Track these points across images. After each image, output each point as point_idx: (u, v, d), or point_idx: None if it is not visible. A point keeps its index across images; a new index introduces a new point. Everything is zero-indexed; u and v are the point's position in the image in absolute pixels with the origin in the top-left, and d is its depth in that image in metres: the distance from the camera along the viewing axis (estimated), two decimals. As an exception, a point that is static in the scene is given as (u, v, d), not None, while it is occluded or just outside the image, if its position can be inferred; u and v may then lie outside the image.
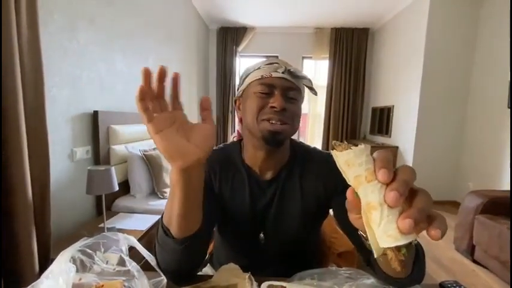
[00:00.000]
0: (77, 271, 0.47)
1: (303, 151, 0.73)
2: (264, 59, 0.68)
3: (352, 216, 0.36)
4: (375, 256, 0.30)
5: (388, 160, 0.29)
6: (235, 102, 0.72)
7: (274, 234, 0.70)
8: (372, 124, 4.76)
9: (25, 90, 1.09)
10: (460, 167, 3.43)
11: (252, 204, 0.68)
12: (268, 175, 0.69)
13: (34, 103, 1.14)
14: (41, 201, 1.18)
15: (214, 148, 0.75)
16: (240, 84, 0.70)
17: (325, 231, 1.01)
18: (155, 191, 2.08)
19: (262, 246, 0.71)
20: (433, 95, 3.34)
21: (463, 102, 3.36)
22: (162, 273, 0.51)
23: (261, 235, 0.70)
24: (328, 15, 4.23)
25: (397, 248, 0.27)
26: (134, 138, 2.16)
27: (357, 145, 0.31)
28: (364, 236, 0.41)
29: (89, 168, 1.39)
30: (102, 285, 0.47)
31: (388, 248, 0.27)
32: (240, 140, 0.75)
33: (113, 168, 1.45)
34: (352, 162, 0.30)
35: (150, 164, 2.06)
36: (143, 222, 1.64)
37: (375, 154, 0.30)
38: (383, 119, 4.30)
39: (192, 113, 4.06)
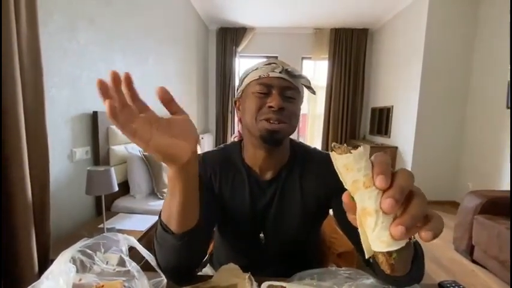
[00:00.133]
0: (77, 271, 0.47)
1: (303, 151, 0.73)
2: (263, 60, 0.69)
3: (350, 217, 0.36)
4: (366, 257, 0.31)
5: (386, 164, 0.29)
6: (235, 103, 0.72)
7: (274, 234, 0.70)
8: (372, 124, 4.77)
9: (25, 91, 1.09)
10: (460, 167, 3.43)
11: (252, 204, 0.68)
12: (268, 175, 0.69)
13: (34, 103, 1.14)
14: (40, 201, 1.17)
15: (214, 149, 0.76)
16: (240, 85, 0.70)
17: (325, 232, 1.01)
18: (155, 192, 2.08)
19: (262, 246, 0.71)
20: (433, 95, 3.35)
21: (462, 102, 3.37)
22: (162, 274, 0.51)
23: (261, 235, 0.70)
24: (328, 15, 4.24)
25: (388, 253, 0.28)
26: (134, 139, 2.16)
27: (356, 147, 0.31)
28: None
29: (88, 168, 1.39)
30: (102, 286, 0.47)
31: (380, 252, 0.28)
32: (241, 140, 0.75)
33: (112, 169, 1.45)
34: (351, 167, 0.30)
35: (150, 164, 2.06)
36: (143, 223, 1.64)
37: (373, 157, 0.30)
38: (382, 119, 4.31)
39: (192, 112, 4.06)
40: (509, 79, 2.67)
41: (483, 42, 3.14)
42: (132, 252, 0.51)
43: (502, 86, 2.79)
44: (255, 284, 0.51)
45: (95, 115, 1.75)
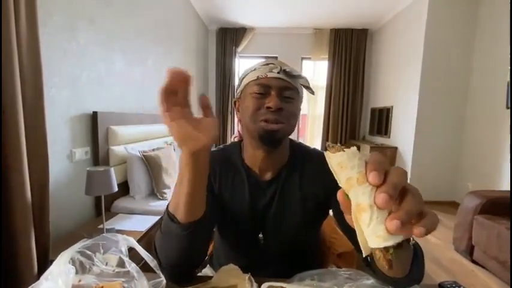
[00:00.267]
0: (77, 272, 0.47)
1: (302, 151, 0.73)
2: (262, 60, 0.69)
3: (347, 217, 0.37)
4: (364, 255, 0.31)
5: (380, 163, 0.29)
6: (235, 104, 0.72)
7: (273, 234, 0.70)
8: (371, 125, 4.77)
9: (24, 91, 1.09)
10: (459, 168, 3.44)
11: (251, 205, 0.68)
12: (268, 175, 0.69)
13: (33, 103, 1.14)
14: (39, 202, 1.17)
15: (214, 149, 0.76)
16: (239, 85, 0.70)
17: (325, 232, 1.01)
18: (154, 192, 2.08)
19: (262, 247, 0.71)
20: (432, 95, 3.35)
21: (462, 102, 3.37)
22: (161, 274, 0.51)
23: (260, 235, 0.70)
24: (327, 15, 4.25)
25: (385, 249, 0.28)
26: (133, 139, 2.16)
27: (348, 147, 0.32)
28: None
29: (88, 169, 1.39)
30: (102, 287, 0.47)
31: (377, 248, 0.28)
32: (241, 140, 0.75)
33: (112, 169, 1.44)
34: (344, 165, 0.30)
35: (150, 164, 2.06)
36: (142, 223, 1.64)
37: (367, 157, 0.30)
38: (382, 120, 4.31)
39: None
40: (508, 79, 2.67)
41: (483, 42, 3.14)
42: (132, 252, 0.51)
43: (501, 86, 2.79)
44: (255, 284, 0.51)
45: (94, 115, 1.75)
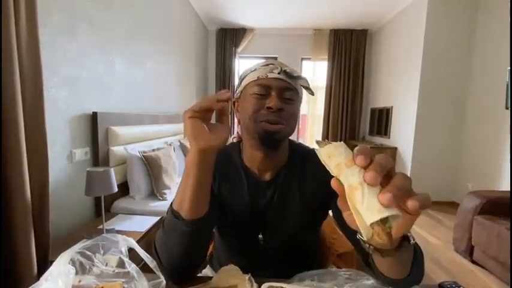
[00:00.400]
0: (76, 273, 0.47)
1: (301, 152, 0.73)
2: (262, 61, 0.68)
3: (344, 214, 0.38)
4: (365, 238, 0.32)
5: (366, 149, 0.31)
6: (234, 104, 0.72)
7: (273, 235, 0.70)
8: (371, 125, 4.77)
9: (24, 91, 1.09)
10: (459, 168, 3.44)
11: (251, 205, 0.68)
12: (267, 176, 0.69)
13: (33, 104, 1.14)
14: (39, 202, 1.17)
15: None
16: (238, 86, 0.70)
17: (325, 232, 1.01)
18: (154, 193, 2.08)
19: (262, 247, 0.71)
20: (432, 96, 3.36)
21: (461, 103, 3.37)
22: (161, 275, 0.51)
23: (260, 236, 0.70)
24: (327, 16, 4.25)
25: (383, 222, 0.29)
26: (133, 140, 2.16)
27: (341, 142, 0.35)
28: (362, 238, 0.41)
29: (88, 169, 1.39)
30: (102, 287, 0.47)
31: (375, 223, 0.28)
32: (240, 141, 0.75)
33: (112, 170, 1.44)
34: (332, 154, 0.33)
35: (149, 165, 2.06)
36: (142, 224, 1.64)
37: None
38: (382, 120, 4.31)
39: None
40: (507, 79, 2.68)
41: (482, 43, 3.14)
42: (132, 253, 0.51)
43: (501, 87, 2.79)
44: (255, 285, 0.51)
45: (94, 116, 1.75)
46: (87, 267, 0.49)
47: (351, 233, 0.53)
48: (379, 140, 4.37)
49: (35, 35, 1.13)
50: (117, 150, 1.93)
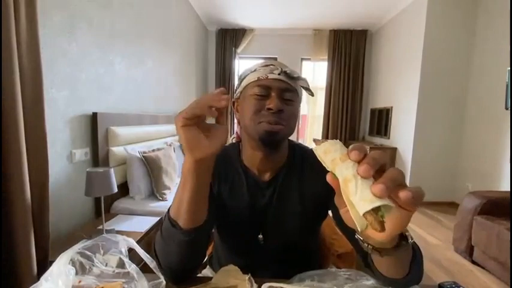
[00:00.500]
0: (76, 273, 0.47)
1: (301, 152, 0.73)
2: (261, 61, 0.68)
3: (341, 211, 0.39)
4: (359, 230, 0.32)
5: (360, 146, 0.32)
6: (233, 104, 0.72)
7: (273, 235, 0.70)
8: (371, 125, 4.78)
9: (24, 92, 1.09)
10: (459, 168, 3.44)
11: (250, 205, 0.68)
12: (267, 176, 0.69)
13: (33, 104, 1.14)
14: (39, 203, 1.17)
15: None
16: (238, 86, 0.70)
17: (325, 232, 1.01)
18: (154, 193, 2.08)
19: (262, 247, 0.71)
20: (432, 96, 3.36)
21: (461, 103, 3.38)
22: (161, 275, 0.51)
23: (260, 236, 0.70)
24: (327, 17, 4.26)
25: (374, 211, 0.29)
26: (133, 140, 2.16)
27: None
28: (361, 239, 0.41)
29: (87, 169, 1.39)
30: (102, 287, 0.47)
31: (367, 212, 0.29)
32: (239, 141, 0.75)
33: (111, 170, 1.44)
34: (328, 150, 0.35)
35: (149, 165, 2.06)
36: (142, 224, 1.64)
37: None
38: (382, 120, 4.31)
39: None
40: (507, 80, 2.68)
41: (482, 43, 3.15)
42: (132, 253, 0.51)
43: (500, 87, 2.80)
44: (255, 285, 0.51)
45: (94, 116, 1.75)
46: (87, 267, 0.49)
47: (351, 233, 0.53)
48: (379, 141, 4.37)
49: (35, 36, 1.13)
50: (117, 150, 1.93)
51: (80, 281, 0.47)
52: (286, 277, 0.58)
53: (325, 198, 0.67)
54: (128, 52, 2.21)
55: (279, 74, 0.62)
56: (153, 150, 2.18)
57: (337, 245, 0.98)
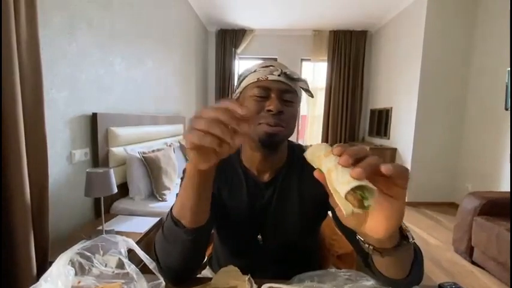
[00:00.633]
0: (76, 274, 0.47)
1: (300, 152, 0.73)
2: (261, 61, 0.68)
3: (337, 209, 0.40)
4: (345, 214, 0.33)
5: (343, 144, 0.34)
6: None
7: (273, 235, 0.70)
8: (371, 126, 4.78)
9: (24, 92, 1.09)
10: (459, 169, 3.44)
11: (250, 206, 0.68)
12: (266, 177, 0.69)
13: (33, 105, 1.14)
14: (39, 203, 1.17)
15: None
16: (237, 87, 0.70)
17: (325, 233, 1.01)
18: (154, 193, 2.08)
19: (262, 248, 0.71)
20: (431, 96, 3.36)
21: (460, 103, 3.38)
22: (160, 276, 0.51)
23: (259, 236, 0.70)
24: (327, 17, 4.26)
25: (354, 191, 0.31)
26: (133, 140, 2.16)
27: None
28: (362, 239, 0.41)
29: (87, 170, 1.39)
30: (101, 288, 0.47)
31: (348, 194, 0.31)
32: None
33: (111, 171, 1.44)
34: (315, 151, 0.39)
35: (149, 166, 2.05)
36: (142, 225, 1.64)
37: None
38: (381, 121, 4.31)
39: (191, 115, 4.05)
40: (506, 81, 2.68)
41: (482, 44, 3.15)
42: (131, 254, 0.51)
43: (500, 88, 2.80)
44: (254, 286, 0.51)
45: (94, 116, 1.75)
46: (87, 268, 0.49)
47: (350, 233, 0.53)
48: (379, 141, 4.37)
49: (35, 36, 1.13)
50: (116, 151, 1.93)
51: (79, 282, 0.47)
52: (285, 278, 0.58)
53: (325, 199, 0.67)
54: (128, 52, 2.21)
55: (279, 75, 0.62)
56: (153, 151, 2.18)
57: (337, 246, 0.98)
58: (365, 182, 0.30)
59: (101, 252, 0.51)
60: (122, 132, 1.99)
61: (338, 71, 4.79)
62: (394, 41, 4.08)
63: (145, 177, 2.06)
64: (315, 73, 4.96)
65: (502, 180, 2.78)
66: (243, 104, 0.65)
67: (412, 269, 0.48)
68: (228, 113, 0.35)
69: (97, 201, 1.75)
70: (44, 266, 1.18)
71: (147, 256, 0.51)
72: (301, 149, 0.75)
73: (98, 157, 1.77)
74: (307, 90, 0.66)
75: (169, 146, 2.61)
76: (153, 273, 0.50)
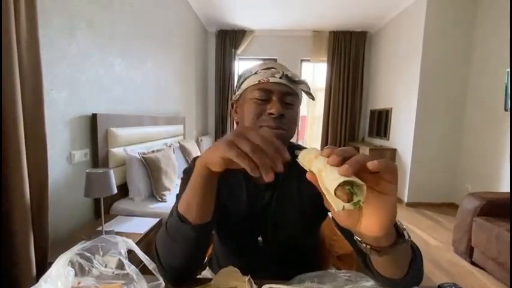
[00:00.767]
0: (76, 275, 0.47)
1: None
2: (261, 62, 0.68)
3: (330, 210, 0.40)
4: (336, 210, 0.34)
5: (333, 146, 0.36)
6: (232, 106, 0.72)
7: (272, 236, 0.70)
8: (371, 126, 4.78)
9: (24, 93, 1.09)
10: (459, 169, 3.44)
11: (249, 207, 0.68)
12: (266, 178, 0.69)
13: (33, 105, 1.14)
14: (38, 203, 1.17)
15: None
16: (237, 88, 0.70)
17: (325, 234, 1.01)
18: (154, 194, 2.08)
19: (261, 249, 0.70)
20: (431, 97, 3.36)
21: (460, 104, 3.38)
22: (160, 277, 0.51)
23: (259, 238, 0.70)
24: (326, 18, 4.27)
25: (342, 186, 0.32)
26: (133, 141, 2.16)
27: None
28: (359, 239, 0.41)
29: (87, 171, 1.39)
30: (101, 289, 0.47)
31: (337, 189, 0.32)
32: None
33: (111, 171, 1.44)
34: (306, 155, 0.41)
35: (149, 166, 2.05)
36: (142, 225, 1.64)
37: None
38: (381, 121, 4.32)
39: (191, 114, 4.06)
40: (506, 81, 2.68)
41: (481, 44, 3.16)
42: (131, 254, 0.51)
43: (500, 89, 2.80)
44: (254, 286, 0.51)
45: (94, 117, 1.75)
46: (87, 268, 0.49)
47: (349, 234, 0.53)
48: (379, 142, 4.37)
49: (35, 37, 1.13)
50: (116, 151, 1.93)
51: (79, 283, 0.47)
52: (285, 278, 0.57)
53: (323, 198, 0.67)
54: (128, 53, 2.21)
55: (280, 78, 0.61)
56: (153, 151, 2.18)
57: (337, 246, 0.98)
58: (353, 178, 0.31)
59: (101, 253, 0.51)
60: (122, 132, 1.99)
61: (338, 72, 4.79)
62: (393, 41, 4.09)
63: (145, 178, 2.06)
64: (315, 74, 4.97)
65: (501, 180, 2.78)
66: (243, 106, 0.65)
67: (411, 268, 0.48)
68: (273, 146, 0.37)
69: (97, 201, 1.74)
70: (43, 266, 1.18)
71: (147, 257, 0.50)
72: (301, 150, 0.75)
73: (98, 158, 1.77)
74: (309, 93, 0.66)
75: (169, 146, 2.61)
76: (153, 274, 0.50)
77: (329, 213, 0.73)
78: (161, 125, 2.76)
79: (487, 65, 3.06)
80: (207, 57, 4.92)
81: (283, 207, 0.68)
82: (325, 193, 0.35)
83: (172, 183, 2.20)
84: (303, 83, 0.64)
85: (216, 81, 4.95)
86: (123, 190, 2.00)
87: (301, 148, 0.75)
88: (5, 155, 1.01)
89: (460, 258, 2.15)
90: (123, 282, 0.49)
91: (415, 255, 0.49)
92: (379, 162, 0.32)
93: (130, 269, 0.49)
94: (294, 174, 0.70)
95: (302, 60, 4.98)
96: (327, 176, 0.34)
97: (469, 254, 2.04)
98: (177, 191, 0.64)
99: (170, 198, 2.07)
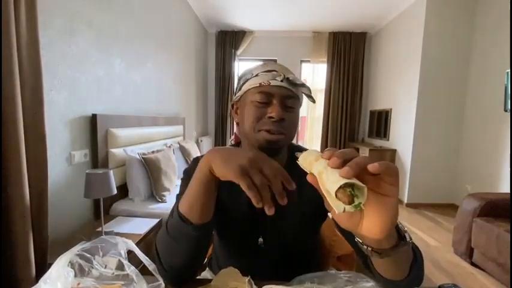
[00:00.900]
0: (75, 275, 0.47)
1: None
2: (262, 63, 0.68)
3: (331, 213, 0.40)
4: (336, 212, 0.34)
5: (333, 148, 0.36)
6: (232, 106, 0.72)
7: (273, 238, 0.69)
8: (370, 127, 4.78)
9: (24, 93, 1.09)
10: (458, 170, 3.44)
11: (249, 208, 0.68)
12: (266, 179, 0.69)
13: (32, 106, 1.14)
14: (38, 204, 1.17)
15: None
16: (237, 89, 0.69)
17: (325, 234, 1.00)
18: (154, 195, 2.08)
19: (262, 250, 0.70)
20: (431, 98, 3.36)
21: (460, 105, 3.39)
22: (160, 278, 0.51)
23: (260, 239, 0.70)
24: (326, 19, 4.27)
25: (343, 189, 0.32)
26: (133, 141, 2.16)
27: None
28: (360, 241, 0.41)
29: (87, 171, 1.38)
30: (101, 290, 0.47)
31: (338, 191, 0.32)
32: (238, 142, 0.75)
33: (111, 172, 1.44)
34: (307, 157, 0.42)
35: (149, 167, 2.05)
36: (141, 226, 1.63)
37: None
38: (381, 122, 4.32)
39: (191, 116, 4.06)
40: (506, 82, 2.69)
41: (481, 46, 3.16)
42: (131, 255, 0.51)
43: (500, 90, 2.80)
44: (254, 287, 0.51)
45: (94, 118, 1.75)
46: (86, 269, 0.49)
47: (350, 235, 0.53)
48: (379, 142, 4.37)
49: (35, 38, 1.13)
50: (116, 152, 1.93)
51: (79, 283, 0.47)
52: (286, 279, 0.57)
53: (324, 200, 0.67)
54: (128, 54, 2.21)
55: (281, 81, 0.61)
56: (153, 152, 2.17)
57: (337, 247, 0.98)
58: (354, 180, 0.31)
59: (101, 254, 0.51)
60: (122, 133, 1.99)
61: (338, 73, 4.79)
62: (393, 42, 4.09)
63: (145, 179, 2.06)
64: (315, 74, 4.97)
65: (501, 181, 2.78)
66: (243, 108, 0.65)
67: (412, 270, 0.48)
68: (279, 180, 0.44)
69: (96, 202, 1.74)
70: (43, 267, 1.17)
71: (146, 257, 0.50)
72: (301, 151, 0.74)
73: (98, 158, 1.77)
74: (310, 96, 0.66)
75: (169, 147, 2.61)
76: (153, 275, 0.50)
77: (329, 214, 0.73)
78: (161, 126, 2.76)
79: (487, 65, 3.06)
80: (207, 58, 4.92)
81: (283, 208, 0.68)
82: (325, 195, 0.35)
83: (172, 184, 2.20)
84: (305, 86, 0.64)
85: (216, 82, 4.95)
86: (123, 191, 2.00)
87: (301, 149, 0.75)
88: (5, 156, 1.01)
89: (460, 259, 2.14)
90: (122, 283, 0.49)
91: (416, 257, 0.49)
92: (380, 165, 0.32)
93: (130, 269, 0.49)
94: (295, 174, 0.70)
95: (302, 61, 4.99)
96: (327, 178, 0.34)
97: (469, 254, 2.04)
98: (177, 192, 0.64)
99: (170, 199, 2.07)
